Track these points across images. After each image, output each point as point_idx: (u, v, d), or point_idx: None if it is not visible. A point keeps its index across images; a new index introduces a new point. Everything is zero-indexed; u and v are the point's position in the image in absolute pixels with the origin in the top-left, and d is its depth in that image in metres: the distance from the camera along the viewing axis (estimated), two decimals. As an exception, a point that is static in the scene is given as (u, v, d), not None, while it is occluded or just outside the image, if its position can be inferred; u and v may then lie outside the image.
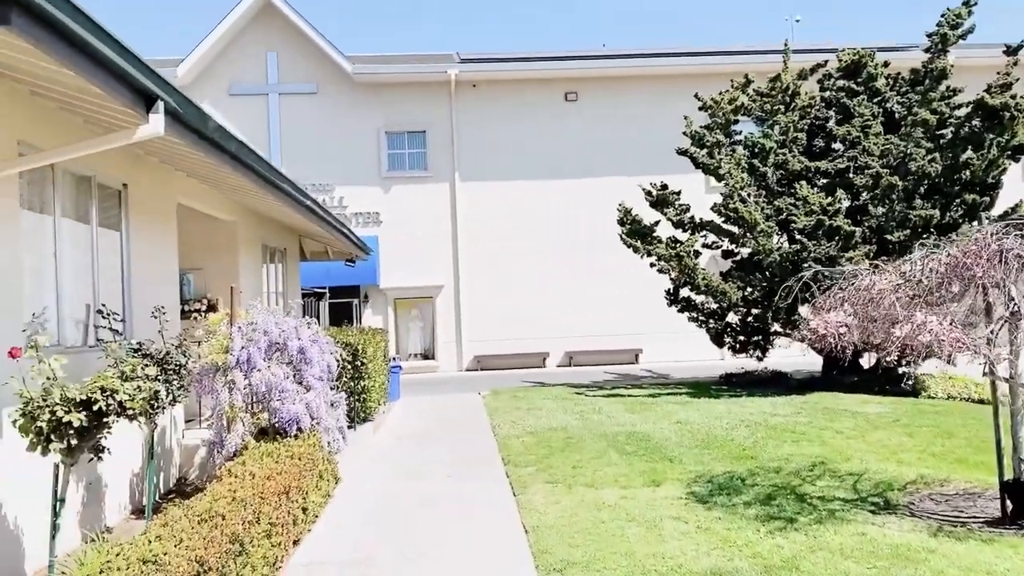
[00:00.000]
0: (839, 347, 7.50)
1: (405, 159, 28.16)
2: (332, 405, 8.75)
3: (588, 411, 14.65)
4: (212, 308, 12.37)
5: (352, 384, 12.62)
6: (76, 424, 5.04)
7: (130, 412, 5.39)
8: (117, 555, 4.36)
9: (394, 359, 18.52)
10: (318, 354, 8.13)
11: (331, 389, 8.86)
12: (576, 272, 27.25)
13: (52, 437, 5.09)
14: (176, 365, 7.00)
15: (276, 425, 7.73)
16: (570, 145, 27.57)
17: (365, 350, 12.83)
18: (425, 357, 28.02)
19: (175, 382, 7.04)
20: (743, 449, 10.56)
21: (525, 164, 27.57)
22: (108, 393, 5.20)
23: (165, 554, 4.37)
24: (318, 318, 20.95)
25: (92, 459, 5.53)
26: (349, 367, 12.57)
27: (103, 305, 7.35)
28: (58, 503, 5.38)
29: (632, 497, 8.27)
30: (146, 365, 6.81)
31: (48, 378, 5.13)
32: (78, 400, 5.10)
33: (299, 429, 7.76)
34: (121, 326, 7.55)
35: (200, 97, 26.45)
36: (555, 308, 27.17)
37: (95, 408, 5.11)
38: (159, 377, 6.87)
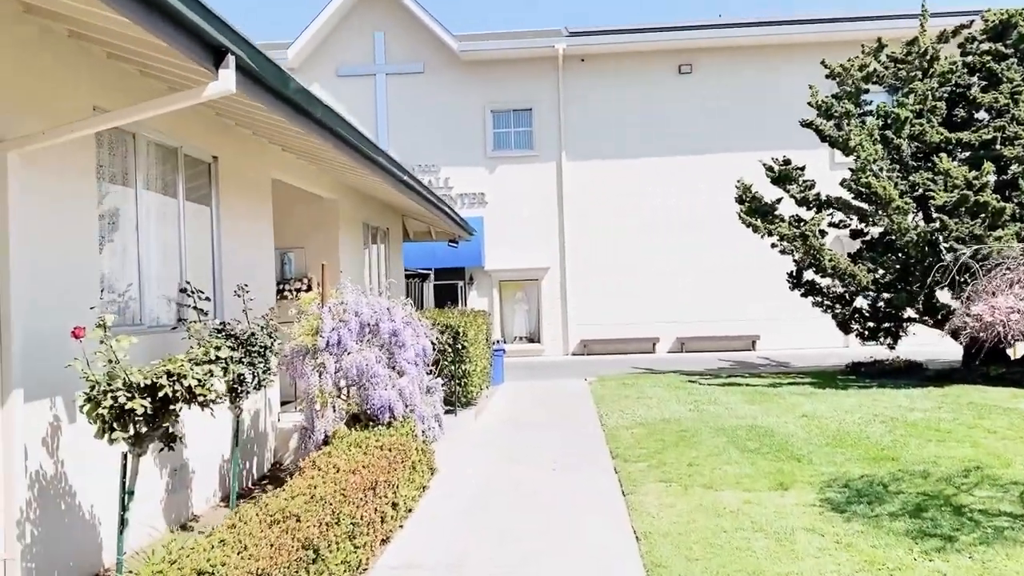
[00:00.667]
0: (1009, 336, 6.39)
1: (511, 138, 27.54)
2: (428, 391, 8.17)
3: (703, 401, 13.68)
4: (311, 287, 12.04)
5: (453, 368, 12.08)
6: (140, 412, 4.57)
7: (201, 399, 4.89)
8: (172, 564, 3.83)
9: (497, 342, 17.97)
10: (412, 337, 7.56)
11: (427, 374, 8.28)
12: (689, 254, 26.07)
13: (115, 425, 4.63)
14: (261, 347, 6.52)
15: (368, 412, 7.20)
16: (683, 120, 26.32)
17: (466, 333, 12.26)
18: (530, 340, 27.43)
19: (260, 365, 6.58)
20: (881, 449, 9.45)
21: (635, 141, 26.49)
22: (175, 378, 4.72)
23: (223, 564, 3.82)
24: (422, 300, 20.62)
25: (164, 448, 5.08)
26: (449, 350, 12.04)
27: (187, 283, 6.96)
28: (126, 496, 4.95)
29: (757, 502, 7.37)
30: (230, 347, 6.36)
31: (110, 361, 4.67)
32: (142, 385, 4.63)
33: (392, 416, 7.21)
34: (207, 305, 7.15)
35: (310, 79, 26.51)
36: (666, 291, 26.09)
37: (160, 395, 4.63)
38: (243, 360, 6.43)
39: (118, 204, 6.51)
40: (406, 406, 7.37)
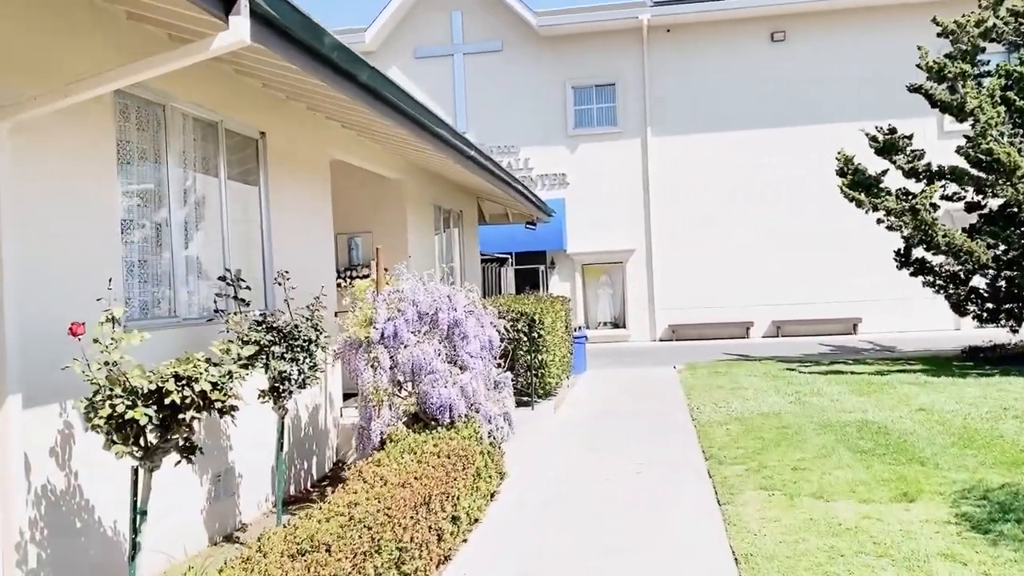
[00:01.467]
0: None
1: (592, 115, 26.48)
2: (496, 386, 7.36)
3: (805, 392, 12.50)
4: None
5: (528, 358, 11.25)
6: (142, 421, 3.88)
7: (219, 405, 4.18)
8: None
9: (579, 329, 17.07)
10: (475, 327, 6.75)
11: (496, 367, 7.46)
12: (784, 232, 24.57)
13: (115, 438, 3.96)
14: (305, 341, 5.81)
15: (426, 412, 6.43)
16: (777, 90, 24.76)
17: (542, 320, 11.41)
18: (615, 326, 26.42)
19: (306, 361, 5.87)
20: (1021, 450, 8.20)
21: (724, 114, 25.07)
22: (184, 382, 4.01)
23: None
24: (500, 286, 19.86)
25: (182, 461, 4.39)
26: (524, 339, 11.21)
27: (227, 270, 6.30)
28: (138, 516, 4.28)
29: (878, 517, 6.30)
30: (271, 341, 5.67)
31: (106, 363, 3.98)
32: (145, 391, 3.94)
33: (453, 417, 6.42)
34: (250, 295, 6.51)
35: (388, 63, 26.00)
36: (760, 273, 24.66)
37: (167, 401, 3.93)
38: (284, 355, 5.73)
39: (147, 184, 5.88)
40: (469, 405, 6.58)
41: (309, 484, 7.94)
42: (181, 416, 4.02)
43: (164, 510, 5.49)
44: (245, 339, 5.61)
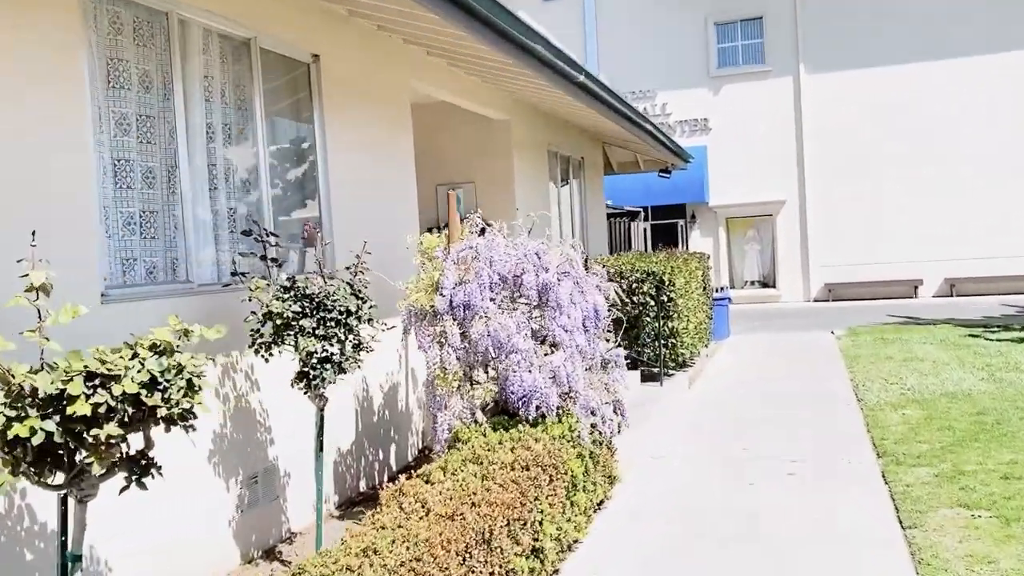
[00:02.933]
0: None
1: (738, 53, 24.05)
2: (604, 366, 5.81)
3: (998, 366, 10.24)
4: (483, 232, 9.97)
5: (656, 325, 9.61)
6: (36, 439, 2.61)
7: (163, 413, 2.87)
8: None
9: (721, 289, 15.17)
10: (571, 293, 5.20)
11: (604, 340, 5.90)
12: (958, 178, 21.53)
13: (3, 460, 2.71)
14: (341, 312, 4.45)
15: (507, 402, 4.98)
16: (952, 16, 21.53)
17: (672, 280, 9.71)
18: (763, 285, 24.15)
19: (347, 339, 4.52)
20: None
21: (890, 46, 22.07)
22: (99, 381, 2.72)
23: None
24: (629, 242, 18.11)
25: (134, 483, 3.12)
26: (652, 303, 9.57)
27: (254, 223, 5.02)
28: (69, 563, 3.05)
29: None
30: (297, 312, 4.36)
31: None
32: (44, 395, 2.67)
33: (542, 410, 4.94)
34: (282, 253, 5.22)
35: (515, 5, 24.40)
36: (929, 224, 21.74)
37: (70, 413, 2.65)
38: (315, 331, 4.40)
39: (149, 116, 4.64)
40: (563, 393, 5.07)
41: (387, 476, 6.69)
42: (95, 433, 2.71)
43: (161, 525, 4.32)
44: (270, 311, 4.32)
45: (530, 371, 4.85)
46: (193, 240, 4.83)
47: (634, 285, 9.73)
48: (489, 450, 4.47)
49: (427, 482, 4.04)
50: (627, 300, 9.77)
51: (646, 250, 21.00)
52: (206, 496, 4.73)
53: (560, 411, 5.14)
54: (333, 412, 5.83)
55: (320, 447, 4.77)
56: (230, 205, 5.21)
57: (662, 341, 9.74)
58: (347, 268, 4.69)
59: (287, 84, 5.91)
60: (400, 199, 7.27)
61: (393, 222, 6.92)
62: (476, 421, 5.12)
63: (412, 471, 6.17)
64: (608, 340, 6.08)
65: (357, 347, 4.65)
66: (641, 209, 20.82)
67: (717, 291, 14.83)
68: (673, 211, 24.19)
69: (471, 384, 5.19)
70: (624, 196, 21.10)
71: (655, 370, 9.79)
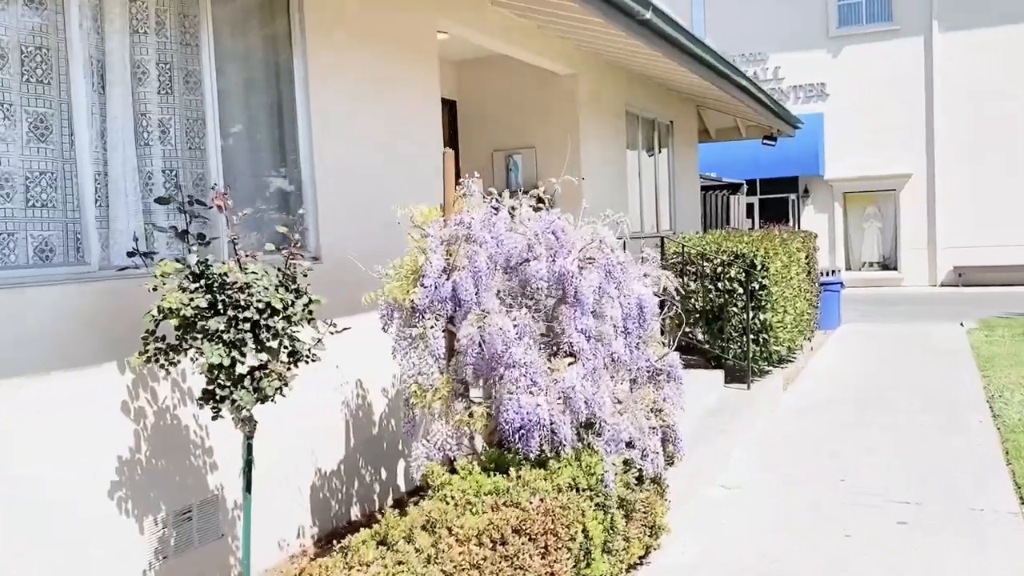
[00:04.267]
0: None
1: (860, 10, 21.76)
2: (652, 377, 4.45)
3: None
4: (545, 204, 8.67)
5: (743, 317, 8.12)
6: None
7: None
8: None
9: (831, 272, 13.36)
10: (600, 286, 3.84)
11: (655, 343, 4.52)
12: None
13: None
14: (262, 308, 3.25)
15: (501, 432, 3.70)
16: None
17: (766, 265, 8.17)
18: (883, 267, 21.91)
19: (266, 347, 3.32)
20: None
21: (1041, -4, 19.37)
22: None
23: None
24: (727, 218, 16.37)
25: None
26: (739, 291, 8.09)
27: (178, 187, 3.87)
28: None
29: None
30: (200, 311, 3.20)
31: None
32: None
33: (552, 445, 3.63)
34: (204, 227, 4.05)
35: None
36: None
37: None
38: (223, 334, 3.22)
39: (19, 39, 3.55)
40: (580, 423, 3.74)
41: (392, 499, 5.53)
42: None
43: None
44: (165, 306, 3.19)
45: (532, 393, 3.54)
46: (91, 211, 3.72)
47: (719, 270, 8.25)
48: (459, 506, 3.21)
49: (347, 565, 2.81)
50: (710, 287, 8.31)
51: (753, 227, 19.22)
52: (125, 538, 3.66)
53: (584, 447, 3.83)
54: (310, 426, 4.71)
55: (247, 486, 3.61)
56: (159, 164, 4.08)
57: (751, 336, 8.22)
58: (278, 248, 3.45)
59: (256, 10, 4.73)
60: (415, 163, 6.01)
61: (401, 193, 5.68)
62: (474, 452, 3.87)
63: (417, 496, 4.97)
64: (664, 343, 4.67)
65: (294, 357, 3.46)
66: (744, 182, 18.95)
67: (827, 274, 13.06)
68: (784, 184, 22.18)
69: (466, 403, 3.92)
70: (729, 168, 19.31)
71: (739, 371, 8.29)
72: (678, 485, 4.96)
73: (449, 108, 9.09)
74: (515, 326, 3.67)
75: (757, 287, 8.18)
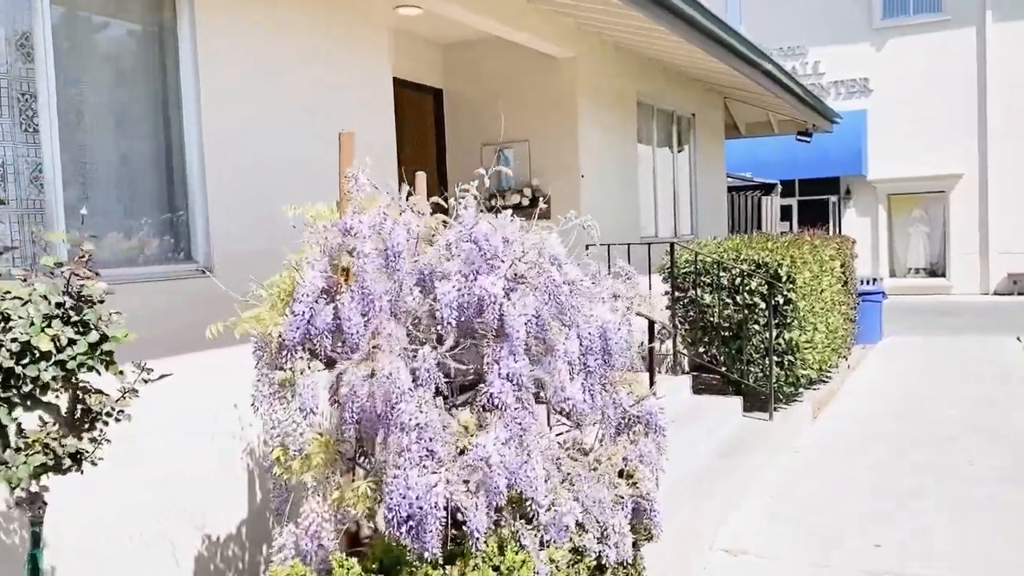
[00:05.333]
0: None
1: (907, 0, 20.31)
2: (621, 431, 3.40)
3: None
4: (535, 204, 7.67)
5: (765, 335, 7.02)
6: None
7: None
8: None
9: (872, 281, 12.12)
10: (534, 314, 2.81)
11: (612, 384, 3.45)
12: None
13: None
14: (18, 351, 2.27)
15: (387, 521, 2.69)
16: None
17: (792, 276, 7.06)
18: (931, 274, 20.50)
19: (48, 402, 2.35)
20: None
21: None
22: None
23: None
24: (759, 221, 15.16)
25: None
26: (761, 305, 7.00)
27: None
28: None
29: None
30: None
31: None
32: None
33: (448, 539, 2.60)
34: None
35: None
36: None
37: None
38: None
39: None
40: (500, 509, 2.68)
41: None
42: None
43: None
44: None
45: (426, 467, 2.52)
46: None
47: (737, 281, 7.15)
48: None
49: None
50: (727, 301, 7.22)
51: (790, 231, 18.00)
52: None
53: (511, 538, 2.79)
54: (191, 479, 3.73)
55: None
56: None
57: (775, 358, 7.11)
58: (57, 266, 2.47)
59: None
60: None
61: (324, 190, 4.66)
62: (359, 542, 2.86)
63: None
64: (631, 386, 3.60)
65: (87, 417, 2.47)
66: (778, 182, 17.70)
67: (869, 283, 11.85)
68: (824, 186, 20.86)
69: (351, 475, 2.91)
70: (764, 167, 18.09)
71: (762, 397, 7.18)
72: (668, 551, 3.92)
73: (434, 97, 8.11)
74: (415, 371, 2.65)
75: (782, 301, 7.07)
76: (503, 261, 2.88)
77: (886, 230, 20.94)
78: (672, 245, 7.26)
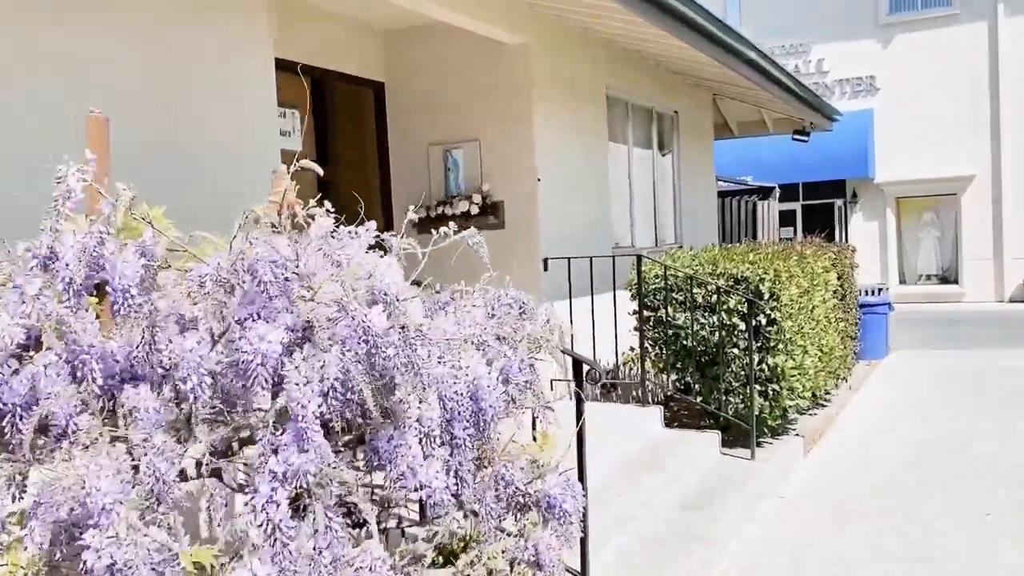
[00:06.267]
0: None
1: (916, -7, 19.43)
2: (520, 510, 2.50)
3: None
4: (490, 211, 6.81)
5: (745, 360, 6.10)
6: None
7: None
8: None
9: (876, 292, 11.15)
10: (338, 380, 1.93)
11: (489, 459, 2.56)
12: None
13: None
14: None
15: None
16: None
17: (777, 293, 6.14)
18: (942, 280, 19.52)
19: None
20: None
21: None
22: None
23: None
24: (754, 228, 14.20)
25: None
26: (740, 327, 6.09)
27: None
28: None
29: None
30: None
31: None
32: None
33: None
34: None
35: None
36: None
37: None
38: None
39: None
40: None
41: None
42: None
43: None
44: None
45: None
46: None
47: (713, 299, 6.23)
48: None
49: None
50: (703, 321, 6.30)
51: (794, 237, 17.07)
52: None
53: None
54: None
55: None
56: None
57: (757, 386, 6.18)
58: None
59: None
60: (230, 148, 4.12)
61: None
62: None
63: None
64: (541, 450, 2.69)
65: None
66: (776, 185, 16.74)
67: (873, 293, 10.89)
68: (829, 189, 19.91)
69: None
70: (764, 169, 17.17)
71: (743, 427, 6.24)
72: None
73: (375, 92, 7.22)
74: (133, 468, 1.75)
75: (764, 322, 6.14)
76: (292, 301, 1.98)
77: (895, 235, 19.97)
78: (639, 258, 6.34)
